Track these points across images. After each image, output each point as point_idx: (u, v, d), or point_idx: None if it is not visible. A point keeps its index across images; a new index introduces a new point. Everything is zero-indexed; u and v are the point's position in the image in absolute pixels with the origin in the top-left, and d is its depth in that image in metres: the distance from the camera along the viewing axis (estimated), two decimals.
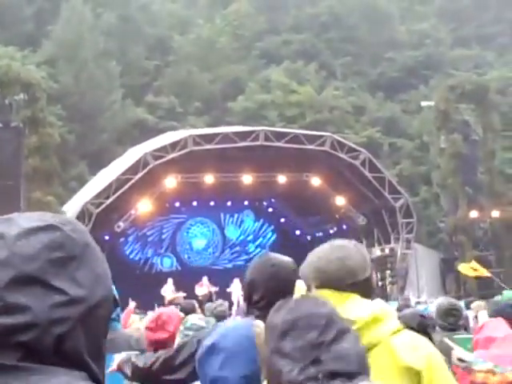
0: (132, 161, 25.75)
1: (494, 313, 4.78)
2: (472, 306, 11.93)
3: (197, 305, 10.29)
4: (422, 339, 2.32)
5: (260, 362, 2.34)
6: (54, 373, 1.09)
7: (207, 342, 2.33)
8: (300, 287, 3.75)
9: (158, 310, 5.14)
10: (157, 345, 4.66)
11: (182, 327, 4.97)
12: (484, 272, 20.36)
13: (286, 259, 3.47)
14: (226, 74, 49.12)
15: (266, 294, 3.35)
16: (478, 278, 22.84)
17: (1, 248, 1.12)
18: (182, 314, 7.08)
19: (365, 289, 2.34)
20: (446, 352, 4.57)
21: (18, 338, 1.07)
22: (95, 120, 40.95)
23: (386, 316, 2.27)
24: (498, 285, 26.21)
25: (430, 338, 4.48)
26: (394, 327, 2.24)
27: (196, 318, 6.58)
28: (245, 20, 55.27)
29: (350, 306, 2.22)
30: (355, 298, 2.29)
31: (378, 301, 2.38)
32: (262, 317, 3.40)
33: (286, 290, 3.36)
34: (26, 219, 1.18)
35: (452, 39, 55.56)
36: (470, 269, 20.73)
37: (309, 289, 2.38)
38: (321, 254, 2.41)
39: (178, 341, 4.61)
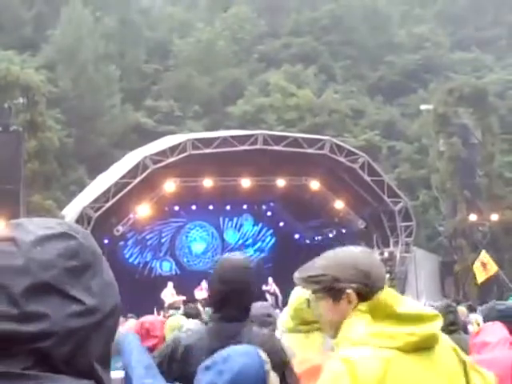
0: (131, 165, 25.75)
1: (484, 316, 4.80)
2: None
3: (201, 309, 10.27)
4: None
5: None
6: (63, 381, 1.09)
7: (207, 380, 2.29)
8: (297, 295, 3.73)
9: (140, 320, 5.11)
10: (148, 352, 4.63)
11: (177, 332, 4.94)
12: (493, 268, 20.44)
13: (238, 259, 3.42)
14: (226, 78, 49.14)
15: (214, 298, 3.35)
16: (486, 279, 22.91)
17: (17, 255, 1.11)
18: (184, 318, 7.07)
19: None
20: None
21: (34, 346, 1.07)
22: (94, 124, 40.98)
23: None
24: (499, 288, 26.23)
25: None
26: None
27: (192, 324, 6.56)
28: (244, 23, 55.32)
29: (411, 303, 2.20)
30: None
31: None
32: (215, 322, 3.38)
33: (234, 292, 3.27)
34: (36, 226, 1.17)
35: (451, 42, 55.59)
36: (480, 268, 20.80)
37: (340, 293, 2.27)
38: (365, 261, 2.30)
39: None
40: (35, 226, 1.17)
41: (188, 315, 8.33)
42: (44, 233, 1.15)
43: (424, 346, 2.11)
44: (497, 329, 4.09)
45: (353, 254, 2.34)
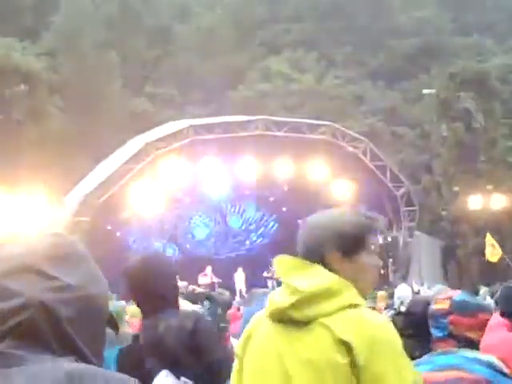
0: (133, 151, 25.73)
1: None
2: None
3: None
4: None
5: None
6: (43, 360, 1.16)
7: None
8: None
9: None
10: None
11: None
12: (499, 251, 20.58)
13: (137, 256, 3.48)
14: (227, 64, 48.97)
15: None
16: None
17: (12, 247, 1.28)
18: (188, 303, 7.08)
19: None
20: None
21: (13, 320, 1.17)
22: (95, 110, 40.88)
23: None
24: (501, 271, 26.23)
25: None
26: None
27: (196, 309, 6.58)
28: (245, 9, 55.11)
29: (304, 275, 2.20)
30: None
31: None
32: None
33: (136, 288, 3.33)
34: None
35: (452, 27, 55.39)
36: (490, 248, 20.95)
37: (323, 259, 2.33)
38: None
39: None
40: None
41: (191, 301, 8.28)
42: (38, 232, 1.35)
43: (280, 318, 2.10)
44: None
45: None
